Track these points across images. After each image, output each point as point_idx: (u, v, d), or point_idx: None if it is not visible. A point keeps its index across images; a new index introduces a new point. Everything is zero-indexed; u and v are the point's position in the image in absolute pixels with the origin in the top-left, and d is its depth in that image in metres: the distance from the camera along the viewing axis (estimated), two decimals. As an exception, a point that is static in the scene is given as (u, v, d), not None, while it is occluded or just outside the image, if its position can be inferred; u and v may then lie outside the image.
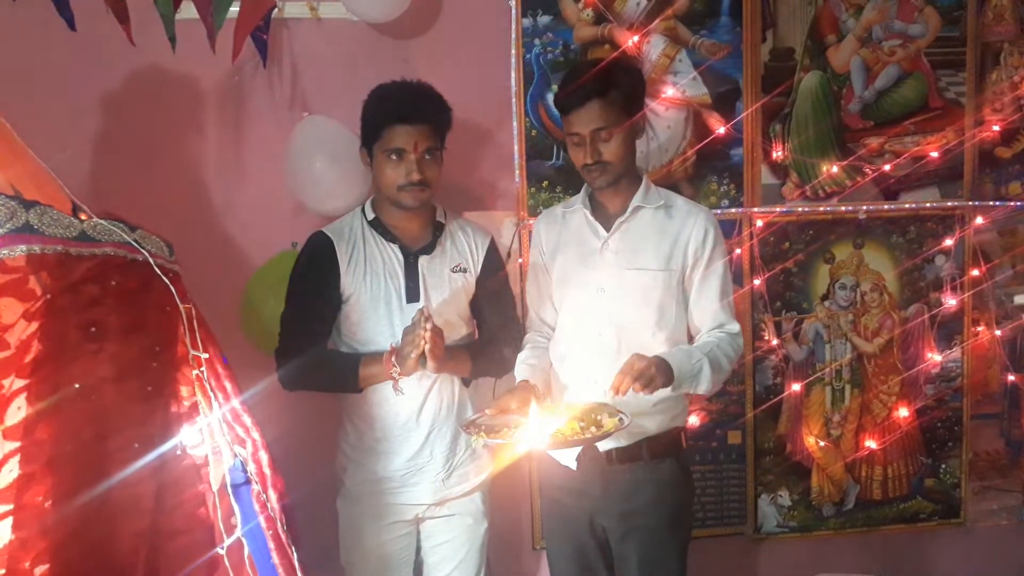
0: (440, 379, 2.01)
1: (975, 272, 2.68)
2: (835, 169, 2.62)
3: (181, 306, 1.49)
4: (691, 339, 2.01)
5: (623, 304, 1.93)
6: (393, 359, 1.88)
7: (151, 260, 1.46)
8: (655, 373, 1.74)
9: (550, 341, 2.08)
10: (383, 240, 2.00)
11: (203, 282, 1.79)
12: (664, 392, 1.81)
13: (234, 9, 2.02)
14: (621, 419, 1.76)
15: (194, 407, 1.50)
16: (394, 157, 1.92)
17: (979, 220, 2.66)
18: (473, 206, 2.50)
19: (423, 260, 2.01)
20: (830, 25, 2.59)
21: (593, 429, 1.75)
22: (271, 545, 1.56)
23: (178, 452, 1.46)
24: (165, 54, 1.93)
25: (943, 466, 2.76)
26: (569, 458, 1.97)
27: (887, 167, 2.63)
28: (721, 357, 1.89)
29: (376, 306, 1.97)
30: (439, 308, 1.98)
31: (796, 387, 2.67)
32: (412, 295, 1.98)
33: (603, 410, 1.81)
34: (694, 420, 2.59)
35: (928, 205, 2.67)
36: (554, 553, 2.11)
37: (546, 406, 1.86)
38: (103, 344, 1.37)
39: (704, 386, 1.87)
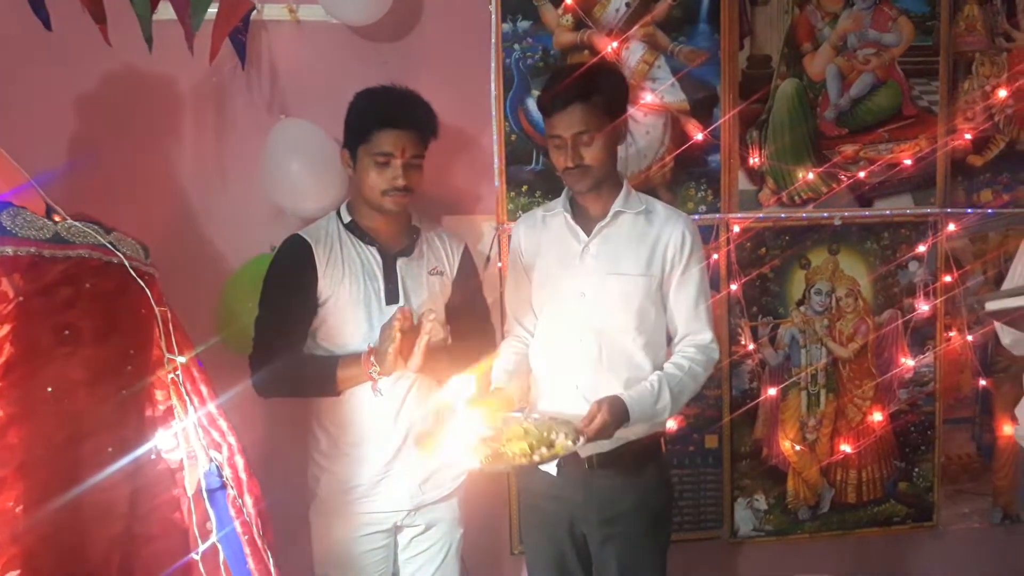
0: (418, 381, 2.00)
1: (947, 278, 2.72)
2: (811, 176, 2.65)
3: (156, 309, 1.48)
4: (669, 340, 2.02)
5: (604, 309, 1.93)
6: (372, 359, 1.87)
7: (126, 262, 1.45)
8: (609, 429, 1.78)
9: (529, 346, 2.07)
10: (361, 243, 1.99)
11: (179, 285, 1.77)
12: None
13: (212, 11, 2.00)
14: (575, 440, 1.74)
15: (169, 411, 1.49)
16: (381, 161, 1.91)
17: (951, 227, 2.70)
18: (453, 210, 2.50)
19: (401, 262, 2.01)
20: (806, 33, 2.62)
21: (543, 450, 1.73)
22: (247, 550, 1.55)
23: (152, 456, 1.44)
24: (142, 55, 1.91)
25: (916, 470, 2.80)
26: (550, 464, 1.97)
27: (862, 174, 2.66)
28: (689, 385, 1.91)
29: (356, 308, 1.96)
30: (418, 310, 1.98)
31: (772, 392, 2.69)
32: (391, 297, 1.97)
33: (561, 428, 1.78)
34: (672, 425, 2.60)
35: (902, 212, 2.70)
36: (533, 559, 2.10)
37: (505, 418, 1.83)
38: (77, 347, 1.35)
39: (663, 419, 1.94)
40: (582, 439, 1.75)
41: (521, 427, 1.79)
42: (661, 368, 1.93)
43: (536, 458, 1.72)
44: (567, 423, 1.80)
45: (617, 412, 1.79)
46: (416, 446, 1.87)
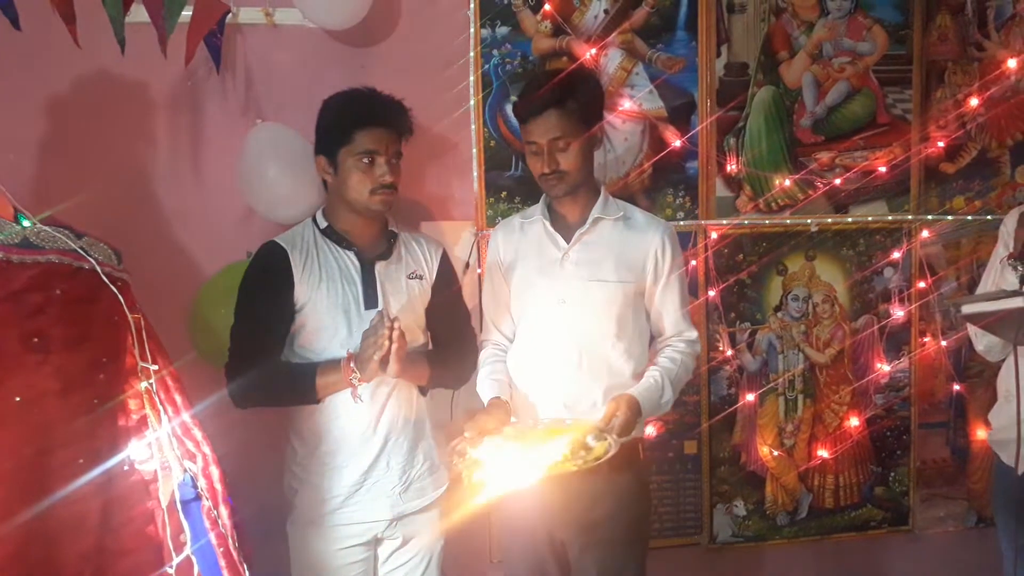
0: (398, 386, 1.97)
1: (921, 284, 2.75)
2: (787, 183, 2.67)
3: (130, 316, 1.45)
4: (652, 341, 2.05)
5: (584, 315, 1.94)
6: (352, 364, 1.84)
7: (98, 268, 1.42)
8: (630, 425, 1.82)
9: (508, 353, 2.06)
10: (338, 247, 1.97)
11: (153, 291, 1.74)
12: None
13: (187, 13, 1.97)
14: (610, 444, 1.75)
15: (143, 421, 1.46)
16: (366, 160, 1.90)
17: (925, 233, 2.74)
18: (431, 216, 2.49)
19: (380, 266, 1.99)
20: (782, 41, 2.64)
21: (583, 454, 1.74)
22: (222, 563, 1.52)
23: (125, 468, 1.41)
24: (115, 57, 1.88)
25: (892, 474, 2.82)
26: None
27: (837, 181, 2.69)
28: (683, 377, 2.00)
29: (334, 313, 1.93)
30: (397, 314, 1.95)
31: (750, 397, 2.71)
32: (370, 301, 1.95)
33: (583, 430, 1.79)
34: (651, 430, 2.61)
35: (877, 218, 2.73)
36: (512, 567, 2.09)
37: (522, 430, 1.84)
38: (47, 355, 1.32)
39: (665, 411, 2.00)
40: (609, 438, 1.76)
41: (539, 434, 1.80)
42: (642, 372, 1.96)
43: (580, 463, 1.73)
44: (582, 426, 1.81)
45: (633, 408, 1.83)
46: (460, 482, 1.84)
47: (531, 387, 1.99)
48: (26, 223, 1.40)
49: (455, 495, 2.14)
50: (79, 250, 1.42)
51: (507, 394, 1.96)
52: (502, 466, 1.72)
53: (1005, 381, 2.14)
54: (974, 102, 2.73)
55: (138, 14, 1.87)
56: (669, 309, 2.01)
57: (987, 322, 1.96)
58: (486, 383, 1.99)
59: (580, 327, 1.93)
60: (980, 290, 2.26)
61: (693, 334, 2.03)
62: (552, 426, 1.86)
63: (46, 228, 1.40)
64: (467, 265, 2.47)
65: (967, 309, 1.95)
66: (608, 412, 1.82)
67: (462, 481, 1.78)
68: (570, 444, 1.76)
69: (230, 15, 2.23)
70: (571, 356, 1.93)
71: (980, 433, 2.78)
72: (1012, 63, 2.73)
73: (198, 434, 1.60)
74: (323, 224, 2.00)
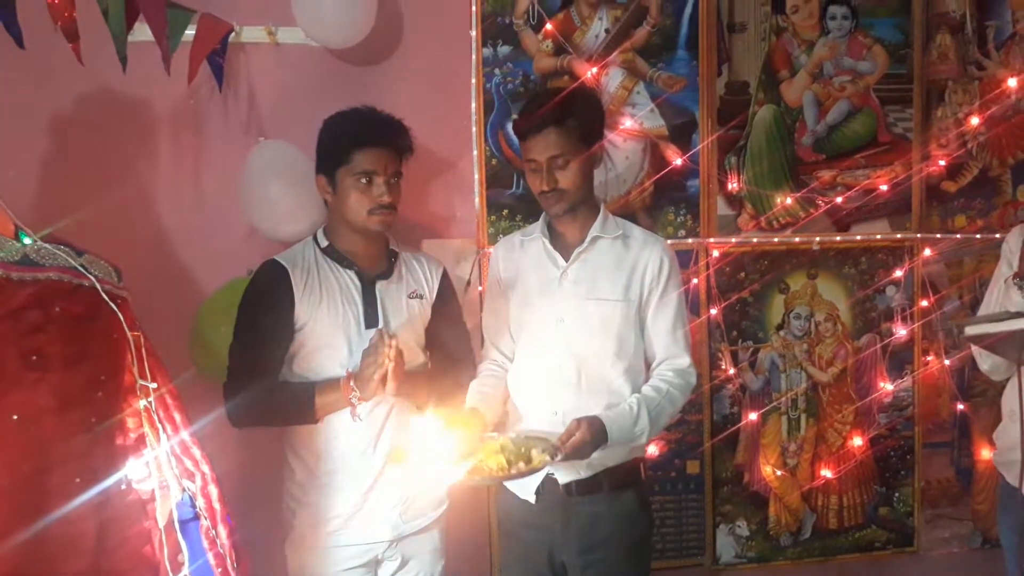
0: (397, 406, 1.97)
1: (924, 303, 2.74)
2: (789, 201, 2.67)
3: (129, 333, 1.44)
4: (647, 365, 2.02)
5: (582, 334, 1.93)
6: (352, 383, 1.83)
7: (98, 285, 1.41)
8: (587, 448, 1.76)
9: (505, 370, 2.05)
10: (339, 266, 1.97)
11: (153, 309, 1.73)
12: None
13: (190, 32, 1.98)
14: (547, 459, 1.72)
15: (141, 439, 1.44)
16: (364, 180, 1.90)
17: (927, 252, 2.74)
18: (433, 233, 2.49)
19: (380, 285, 1.98)
20: (783, 60, 2.65)
21: (521, 465, 1.71)
22: (220, 583, 1.50)
23: (123, 487, 1.39)
24: (117, 75, 1.88)
25: (896, 495, 2.80)
26: (528, 491, 1.94)
27: (839, 199, 2.69)
28: (667, 409, 1.91)
29: (334, 332, 1.92)
30: (397, 333, 1.95)
31: (753, 416, 2.69)
32: (370, 320, 1.95)
33: (538, 444, 1.77)
34: (653, 450, 2.59)
35: (878, 237, 2.73)
36: (513, 588, 2.07)
37: (482, 436, 1.82)
38: (45, 373, 1.31)
39: (641, 442, 1.92)
40: (559, 455, 1.73)
41: (498, 443, 1.78)
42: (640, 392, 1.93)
43: (513, 472, 1.70)
44: (544, 440, 1.78)
45: (596, 431, 1.77)
46: (391, 460, 1.84)
47: (530, 405, 1.98)
48: (27, 240, 1.40)
49: (455, 515, 2.13)
50: (79, 267, 1.41)
51: (489, 407, 1.94)
52: (443, 458, 1.69)
53: (1009, 401, 2.12)
54: (975, 121, 2.74)
55: (141, 33, 1.88)
56: (661, 331, 1.96)
57: (991, 343, 1.95)
58: (471, 395, 1.97)
59: (579, 346, 1.92)
60: (983, 309, 2.25)
61: (685, 361, 1.95)
62: (517, 438, 1.83)
63: (46, 245, 1.39)
64: (468, 283, 2.47)
65: (970, 331, 1.94)
66: (568, 430, 1.77)
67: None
68: (513, 453, 1.74)
69: (233, 34, 2.24)
70: (570, 375, 1.92)
71: (985, 453, 2.76)
72: (1012, 82, 2.74)
73: (197, 453, 1.59)
74: (324, 243, 1.99)
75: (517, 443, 1.78)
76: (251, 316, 1.94)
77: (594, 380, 1.92)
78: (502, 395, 2.02)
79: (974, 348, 2.16)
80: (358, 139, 1.91)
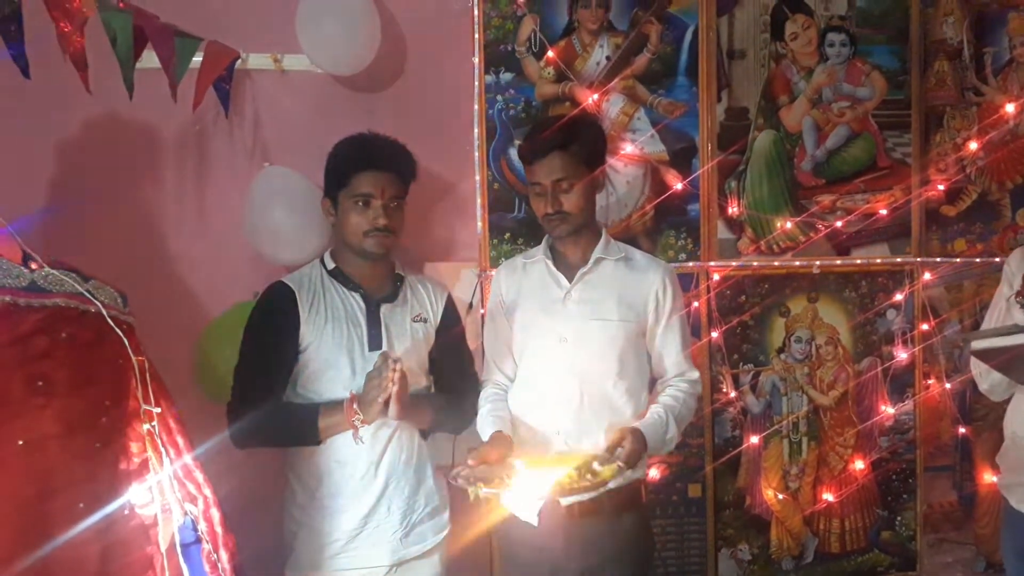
0: (400, 429, 1.97)
1: (924, 326, 2.74)
2: (789, 225, 2.68)
3: (134, 359, 1.45)
4: (652, 382, 2.04)
5: (585, 354, 1.94)
6: (355, 406, 1.84)
7: (104, 312, 1.42)
8: (635, 457, 1.80)
9: (508, 392, 2.06)
10: (344, 289, 1.99)
11: (158, 333, 1.74)
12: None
13: (196, 59, 2.01)
14: (617, 468, 1.75)
15: (144, 464, 1.45)
16: (361, 203, 1.93)
17: (927, 276, 2.74)
18: (435, 256, 2.51)
19: (385, 308, 2.00)
20: (782, 86, 2.68)
21: (589, 477, 1.73)
22: (221, 608, 1.50)
23: (126, 512, 1.40)
24: (123, 101, 1.91)
25: (899, 518, 2.79)
26: (530, 513, 1.94)
27: (839, 224, 2.70)
28: (687, 416, 1.99)
29: (338, 355, 1.94)
30: (400, 357, 1.96)
31: (754, 440, 2.69)
32: (374, 343, 1.96)
33: (592, 459, 1.79)
34: (654, 473, 2.59)
35: (878, 261, 2.75)
36: (514, 611, 2.06)
37: (529, 455, 1.84)
38: (50, 399, 1.31)
39: (670, 449, 1.99)
40: (617, 463, 1.75)
41: (545, 460, 1.80)
42: (644, 413, 1.95)
43: (587, 484, 1.72)
44: (595, 455, 1.80)
45: (639, 441, 1.82)
46: (452, 480, 1.82)
47: (534, 426, 1.98)
48: (34, 266, 1.41)
49: (457, 538, 2.13)
50: (86, 293, 1.42)
51: (509, 430, 1.95)
52: (509, 486, 1.71)
53: (1011, 423, 2.12)
54: (973, 146, 2.76)
55: (148, 60, 1.90)
56: (671, 350, 2.01)
57: (998, 361, 1.94)
58: (487, 420, 1.98)
59: (581, 366, 1.94)
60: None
61: (695, 374, 2.04)
62: (557, 456, 1.86)
63: (54, 271, 1.41)
64: (470, 306, 2.48)
65: (977, 345, 1.93)
66: (613, 441, 1.81)
67: (470, 499, 1.76)
68: (576, 467, 1.75)
69: (239, 60, 2.27)
70: (572, 395, 1.93)
71: (987, 476, 2.75)
72: (1010, 108, 2.76)
73: (199, 476, 1.59)
74: (331, 265, 2.01)
75: (577, 459, 1.79)
76: (257, 336, 1.95)
77: (596, 399, 1.93)
78: (512, 417, 2.03)
79: (974, 368, 2.16)
80: (357, 162, 1.94)
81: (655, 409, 1.93)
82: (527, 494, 1.70)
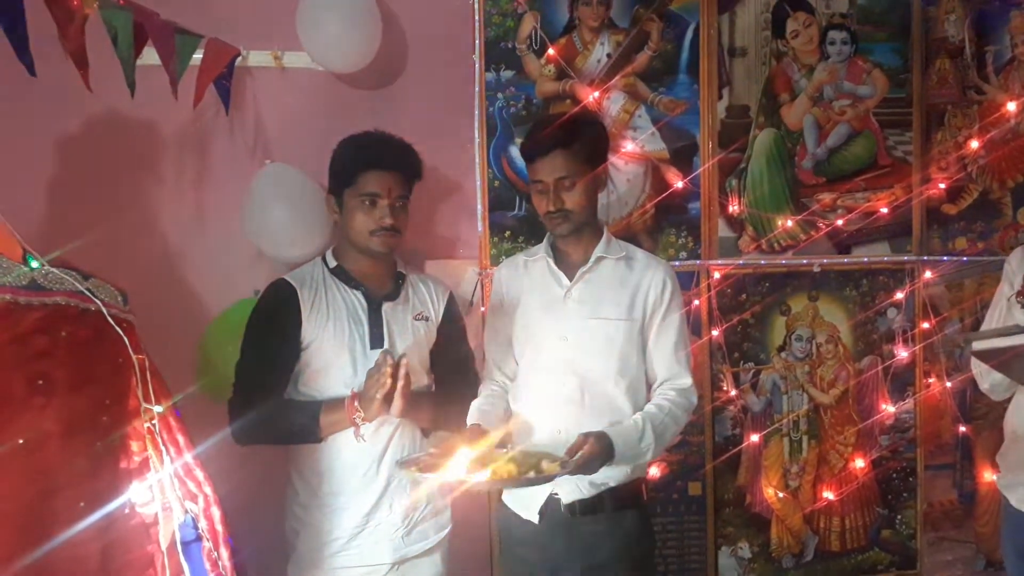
0: (401, 427, 1.97)
1: (925, 325, 2.75)
2: (790, 223, 2.68)
3: (134, 357, 1.44)
4: (648, 386, 2.02)
5: (586, 353, 1.94)
6: (356, 403, 1.84)
7: (104, 310, 1.42)
8: (595, 463, 1.76)
9: (506, 390, 2.06)
10: (346, 287, 1.99)
11: (159, 331, 1.74)
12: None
13: (197, 56, 2.01)
14: (558, 469, 1.72)
15: (144, 463, 1.44)
16: (367, 202, 1.93)
17: (928, 274, 2.74)
18: (436, 255, 2.50)
19: (387, 306, 2.00)
20: (783, 84, 2.68)
21: (531, 473, 1.72)
22: (222, 606, 1.50)
23: (126, 511, 1.39)
24: (124, 99, 1.90)
25: (899, 517, 2.79)
26: (531, 511, 1.95)
27: (840, 222, 2.70)
28: (671, 427, 1.92)
29: (340, 352, 1.94)
30: (401, 355, 1.96)
31: (755, 438, 2.69)
32: (376, 341, 1.96)
33: (546, 456, 1.78)
34: (655, 471, 2.59)
35: (879, 259, 2.74)
36: (514, 609, 2.06)
37: (487, 449, 1.82)
38: (51, 398, 1.31)
39: (647, 459, 1.92)
40: (569, 467, 1.73)
41: (509, 455, 1.78)
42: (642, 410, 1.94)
43: (524, 478, 1.71)
44: (550, 454, 1.79)
45: (603, 446, 1.78)
46: (403, 473, 1.83)
47: (533, 422, 1.98)
48: (34, 264, 1.41)
49: (458, 536, 2.13)
50: (86, 292, 1.42)
51: (492, 423, 1.93)
52: (444, 472, 1.71)
53: (1012, 422, 2.13)
54: (974, 144, 2.76)
55: (149, 57, 1.90)
56: (663, 351, 1.97)
57: (998, 361, 1.94)
58: (472, 414, 1.97)
59: (582, 364, 1.94)
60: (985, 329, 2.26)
61: (687, 381, 1.97)
62: (525, 451, 1.83)
63: (54, 270, 1.40)
64: (470, 304, 2.48)
65: (977, 345, 1.93)
66: (575, 445, 1.77)
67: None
68: (515, 460, 1.75)
69: (240, 58, 2.27)
70: (573, 393, 1.93)
71: (987, 476, 2.75)
72: (1011, 106, 2.76)
73: (200, 474, 1.59)
74: (332, 263, 2.01)
75: (527, 454, 1.79)
76: (259, 334, 1.96)
77: (597, 398, 1.93)
78: (502, 413, 2.02)
79: (974, 367, 2.16)
80: (364, 161, 1.94)
81: (633, 417, 1.89)
82: (458, 477, 1.69)
